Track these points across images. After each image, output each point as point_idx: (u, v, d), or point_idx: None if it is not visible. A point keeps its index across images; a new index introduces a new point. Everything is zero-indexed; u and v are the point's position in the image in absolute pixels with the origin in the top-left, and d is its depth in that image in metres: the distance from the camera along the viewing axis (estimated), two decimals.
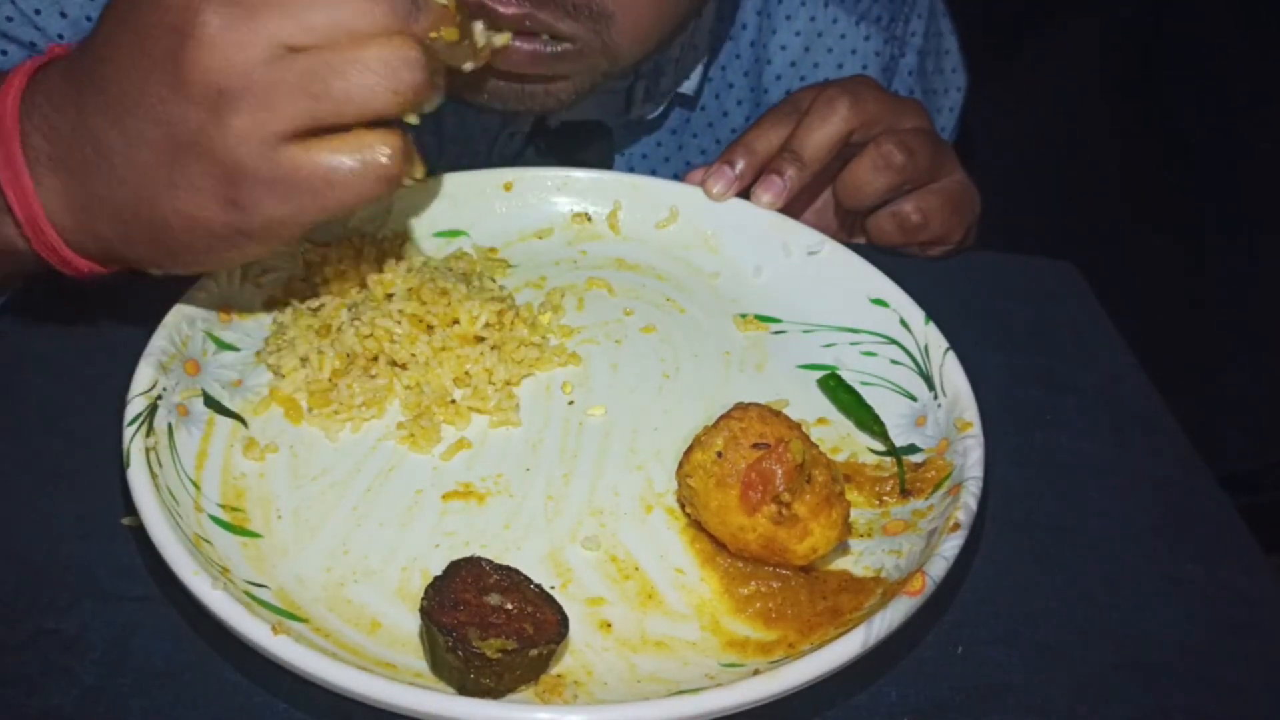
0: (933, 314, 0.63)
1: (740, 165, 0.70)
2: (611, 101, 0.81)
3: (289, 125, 0.47)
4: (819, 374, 0.62)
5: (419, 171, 0.52)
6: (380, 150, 0.49)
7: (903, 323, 0.63)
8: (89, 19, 0.72)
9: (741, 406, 0.51)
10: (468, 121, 0.82)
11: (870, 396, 0.61)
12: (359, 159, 0.48)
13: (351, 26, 0.47)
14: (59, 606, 0.47)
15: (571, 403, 0.59)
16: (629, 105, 0.82)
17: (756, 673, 0.44)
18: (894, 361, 0.62)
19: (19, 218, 0.50)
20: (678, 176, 0.87)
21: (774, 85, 0.86)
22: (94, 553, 0.49)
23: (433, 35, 0.51)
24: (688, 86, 0.83)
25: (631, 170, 0.87)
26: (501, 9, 0.63)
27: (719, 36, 0.84)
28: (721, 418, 0.51)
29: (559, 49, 0.64)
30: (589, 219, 0.72)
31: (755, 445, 0.49)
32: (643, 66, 0.78)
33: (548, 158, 0.83)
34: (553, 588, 0.49)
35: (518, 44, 0.63)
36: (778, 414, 0.51)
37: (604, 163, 0.85)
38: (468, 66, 0.55)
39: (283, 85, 0.46)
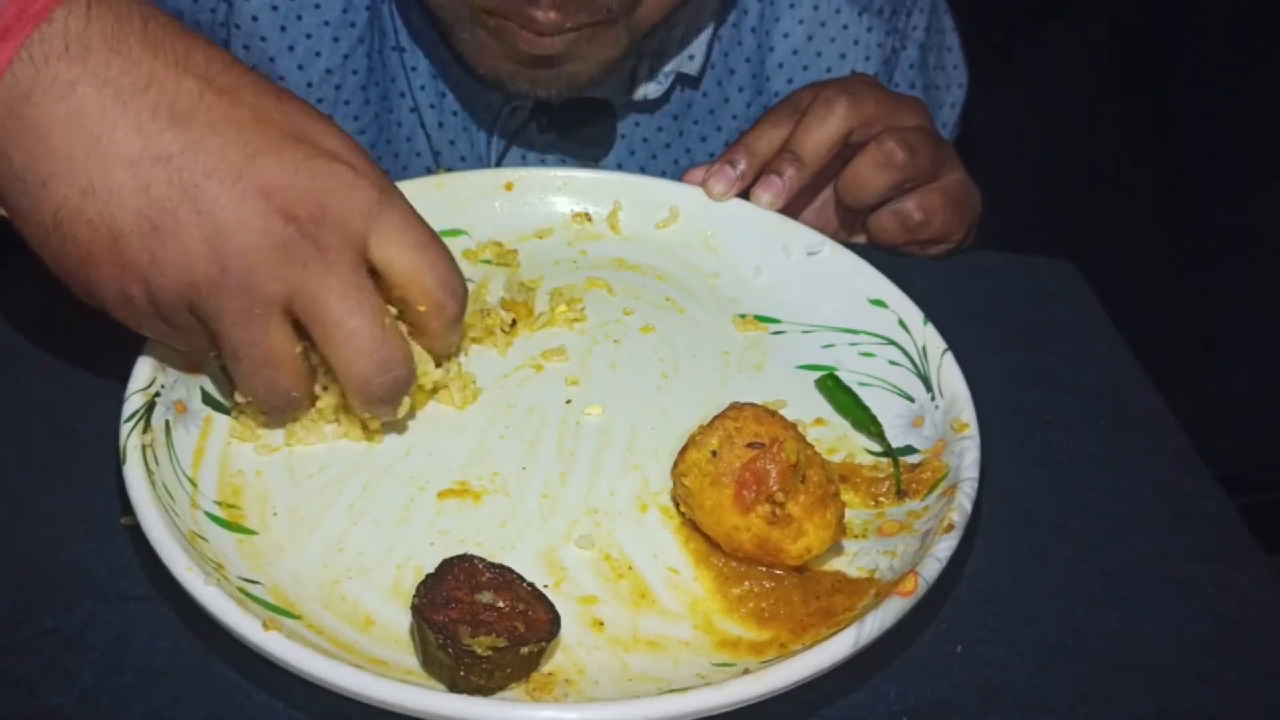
0: (932, 313, 0.63)
1: (741, 165, 0.71)
2: (615, 80, 0.81)
3: (284, 301, 0.47)
4: (817, 374, 0.62)
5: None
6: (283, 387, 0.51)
7: (901, 324, 0.63)
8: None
9: (737, 406, 0.51)
10: (471, 96, 0.82)
11: (868, 397, 0.60)
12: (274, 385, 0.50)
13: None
14: (59, 606, 0.47)
15: (569, 402, 0.59)
16: (632, 85, 0.82)
17: (746, 672, 0.44)
18: (892, 362, 0.62)
19: None
20: (679, 161, 0.88)
21: (776, 73, 0.86)
22: (94, 553, 0.49)
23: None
24: (691, 66, 0.83)
25: (633, 153, 0.87)
26: (539, 15, 0.65)
27: (723, 19, 0.84)
28: (716, 417, 0.51)
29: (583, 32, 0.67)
30: (589, 219, 0.72)
31: (750, 445, 0.49)
32: (646, 46, 0.79)
33: (550, 134, 0.83)
34: (546, 586, 0.49)
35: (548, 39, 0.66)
36: (773, 414, 0.51)
37: (606, 141, 0.85)
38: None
39: (332, 280, 0.47)
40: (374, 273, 0.50)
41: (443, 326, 0.53)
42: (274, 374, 0.49)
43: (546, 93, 0.72)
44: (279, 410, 0.53)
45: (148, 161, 0.45)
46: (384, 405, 0.52)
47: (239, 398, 0.52)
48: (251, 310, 0.47)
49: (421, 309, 0.51)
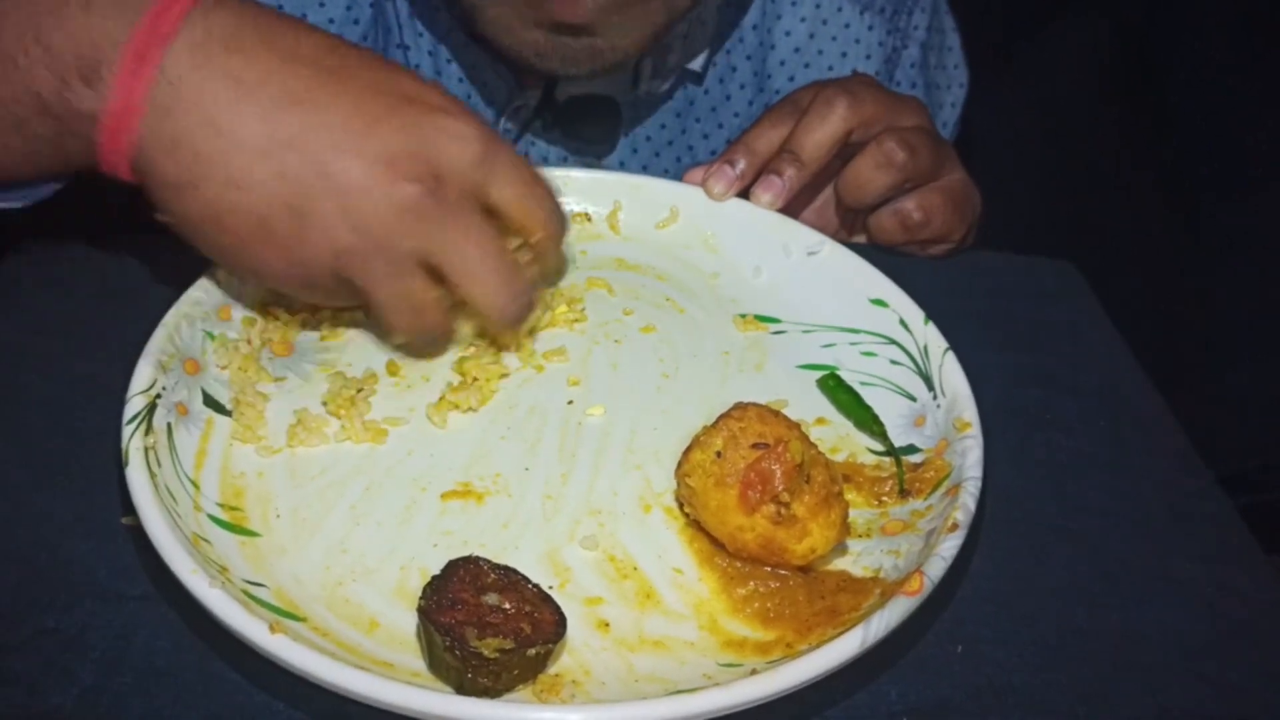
0: (932, 314, 0.63)
1: (741, 165, 0.71)
2: (620, 77, 0.81)
3: (421, 256, 0.52)
4: (818, 374, 0.62)
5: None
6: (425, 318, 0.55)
7: (902, 323, 0.63)
8: None
9: (741, 406, 0.51)
10: (474, 93, 0.82)
11: (869, 397, 0.60)
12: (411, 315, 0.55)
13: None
14: (59, 606, 0.47)
15: (570, 402, 0.59)
16: (636, 81, 0.82)
17: (754, 673, 0.44)
18: (893, 362, 0.62)
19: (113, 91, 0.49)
20: (682, 159, 0.88)
21: (778, 70, 0.86)
22: (94, 552, 0.49)
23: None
24: (695, 62, 0.83)
25: (636, 150, 0.87)
26: (570, 19, 0.65)
27: (727, 18, 0.84)
28: (721, 417, 0.51)
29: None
30: (589, 219, 0.72)
31: (754, 445, 0.49)
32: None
33: (554, 131, 0.83)
34: (551, 587, 0.49)
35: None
36: (777, 414, 0.51)
37: (610, 139, 0.85)
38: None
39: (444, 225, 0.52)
40: (490, 211, 0.55)
41: (555, 247, 0.59)
42: (422, 318, 0.55)
43: (575, 70, 0.71)
44: (429, 342, 0.60)
45: (278, 148, 0.49)
46: (517, 325, 0.59)
47: (394, 341, 0.59)
48: (392, 268, 0.52)
49: (539, 236, 0.57)
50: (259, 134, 0.49)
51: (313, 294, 0.56)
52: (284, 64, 0.50)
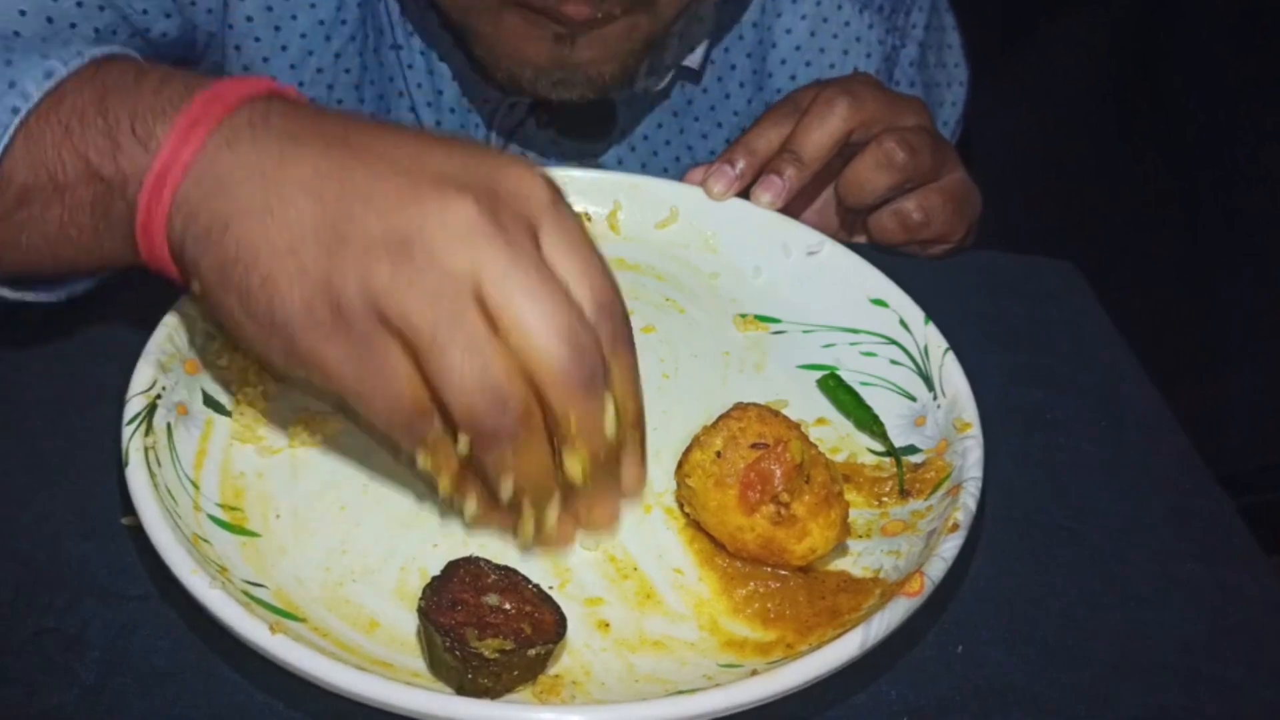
0: (932, 314, 0.63)
1: (741, 164, 0.71)
2: None
3: (477, 285, 0.43)
4: (818, 374, 0.62)
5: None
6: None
7: (902, 323, 0.63)
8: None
9: (740, 406, 0.51)
10: (468, 92, 0.82)
11: (870, 397, 0.60)
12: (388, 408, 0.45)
13: (532, 344, 0.43)
14: (59, 606, 0.47)
15: None
16: (632, 79, 0.82)
17: (754, 673, 0.44)
18: (894, 362, 0.62)
19: (147, 182, 0.46)
20: (680, 158, 0.88)
21: (778, 69, 0.86)
22: (94, 552, 0.49)
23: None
24: (692, 59, 0.83)
25: (634, 149, 0.87)
26: (572, 13, 0.64)
27: (725, 15, 0.84)
28: (720, 417, 0.51)
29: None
30: (589, 219, 0.72)
31: (754, 445, 0.49)
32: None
33: (549, 130, 0.83)
34: (551, 588, 0.49)
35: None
36: (777, 414, 0.51)
37: (606, 138, 0.85)
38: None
39: (438, 309, 0.42)
40: None
41: (625, 367, 0.48)
42: (486, 361, 0.43)
43: (566, 94, 0.70)
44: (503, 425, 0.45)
45: (320, 178, 0.44)
46: (581, 394, 0.44)
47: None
48: (444, 298, 0.42)
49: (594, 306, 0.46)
50: (302, 170, 0.45)
51: (345, 351, 0.44)
52: (338, 121, 0.47)
